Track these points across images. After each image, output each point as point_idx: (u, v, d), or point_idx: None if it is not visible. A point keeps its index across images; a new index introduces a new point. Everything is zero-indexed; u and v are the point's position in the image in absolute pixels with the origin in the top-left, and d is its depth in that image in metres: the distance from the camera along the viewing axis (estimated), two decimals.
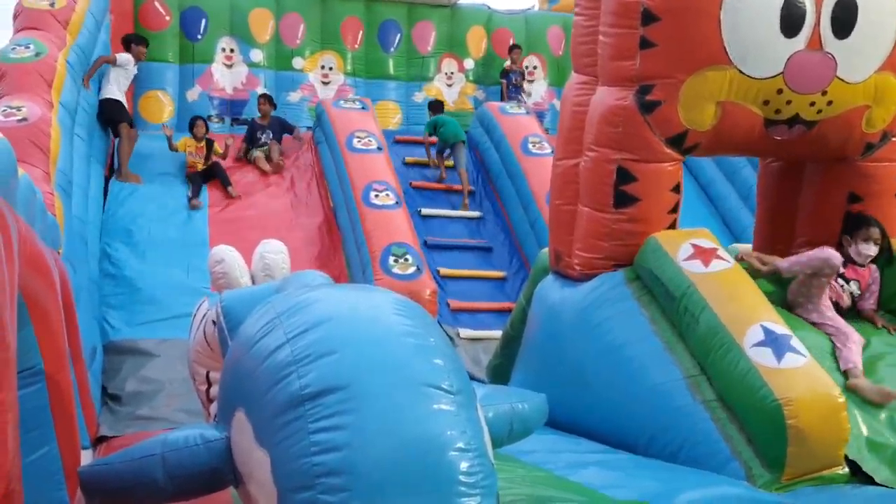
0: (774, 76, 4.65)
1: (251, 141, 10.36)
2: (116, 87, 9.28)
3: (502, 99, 11.75)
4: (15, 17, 8.15)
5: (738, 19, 4.54)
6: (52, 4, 8.14)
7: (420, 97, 12.23)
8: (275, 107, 10.66)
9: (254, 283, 5.45)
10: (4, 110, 6.41)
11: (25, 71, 7.08)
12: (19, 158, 5.46)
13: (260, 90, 11.32)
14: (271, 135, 10.40)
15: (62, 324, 4.21)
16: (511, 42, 12.40)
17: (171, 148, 9.74)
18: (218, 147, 9.93)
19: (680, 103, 4.68)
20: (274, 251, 5.63)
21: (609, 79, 4.88)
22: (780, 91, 4.68)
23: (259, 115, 10.55)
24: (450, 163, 10.38)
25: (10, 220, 2.51)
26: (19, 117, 6.33)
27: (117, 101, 9.27)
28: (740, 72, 4.62)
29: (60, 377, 3.86)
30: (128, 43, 9.67)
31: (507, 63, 12.18)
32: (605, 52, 4.87)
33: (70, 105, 7.46)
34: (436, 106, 11.05)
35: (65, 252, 5.64)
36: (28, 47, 7.35)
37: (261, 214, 9.29)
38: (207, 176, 9.69)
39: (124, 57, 9.43)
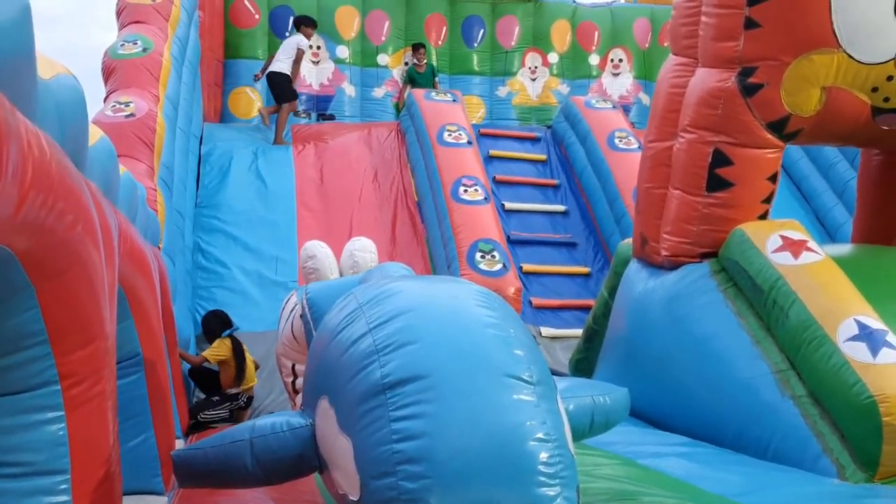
0: (885, 62, 4.49)
1: None
2: (285, 63, 10.00)
3: None
4: (118, 13, 8.39)
5: (850, 2, 4.40)
6: None
7: (504, 92, 12.23)
8: None
9: None
10: (114, 106, 6.63)
11: (134, 66, 7.27)
12: (126, 153, 5.69)
13: (346, 86, 11.50)
14: None
15: (160, 317, 4.36)
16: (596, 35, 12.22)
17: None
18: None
19: (783, 87, 4.56)
20: (363, 249, 5.73)
21: (710, 60, 4.79)
22: (889, 78, 4.52)
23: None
24: None
25: (111, 216, 2.61)
26: (127, 113, 6.53)
27: (286, 76, 10.00)
28: (849, 56, 4.47)
29: (158, 368, 4.00)
30: (298, 24, 10.38)
31: None
32: (708, 32, 4.79)
33: (174, 98, 7.66)
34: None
35: (164, 246, 5.79)
36: (135, 43, 7.54)
37: (347, 207, 9.39)
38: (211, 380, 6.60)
39: (297, 39, 10.19)
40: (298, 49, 10.08)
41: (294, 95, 10.15)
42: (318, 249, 5.81)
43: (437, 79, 11.60)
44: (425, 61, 11.53)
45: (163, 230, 5.81)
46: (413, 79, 11.47)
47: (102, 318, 2.25)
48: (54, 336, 1.99)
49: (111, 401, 2.33)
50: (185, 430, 5.77)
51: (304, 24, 10.36)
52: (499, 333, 2.12)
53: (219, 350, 6.35)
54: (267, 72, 10.17)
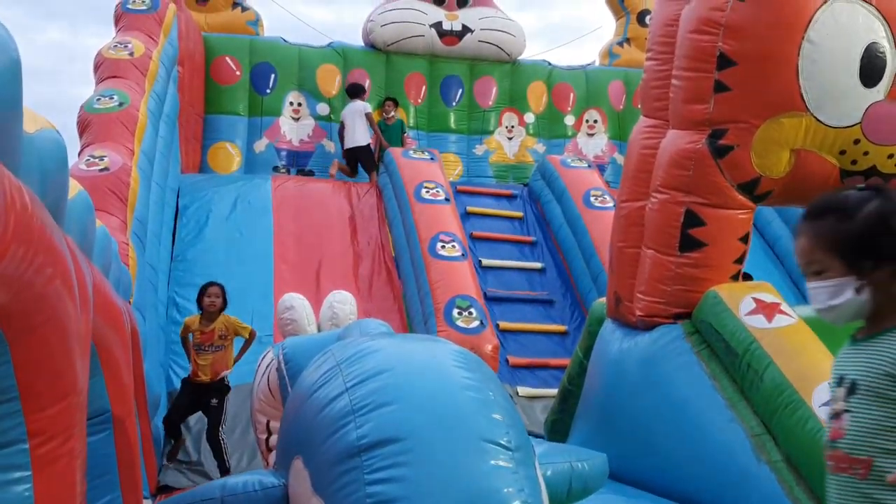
0: (852, 126, 4.58)
1: None
2: (364, 135, 10.87)
3: None
4: (96, 67, 8.38)
5: (817, 67, 4.50)
6: (131, 54, 8.42)
7: (481, 150, 12.34)
8: None
9: (320, 332, 5.52)
10: (88, 160, 6.59)
11: (109, 121, 7.25)
12: (99, 207, 5.66)
13: (326, 142, 11.57)
14: None
15: (131, 373, 4.30)
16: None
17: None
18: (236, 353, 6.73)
19: (753, 149, 4.62)
20: (343, 301, 5.72)
21: (681, 122, 4.86)
22: (857, 141, 4.61)
23: None
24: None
25: (86, 270, 2.59)
26: (101, 167, 6.50)
27: (368, 147, 10.91)
28: (817, 120, 4.56)
29: (127, 426, 3.93)
30: (359, 93, 11.10)
31: None
32: (678, 95, 4.85)
33: (150, 152, 7.64)
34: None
35: (135, 301, 5.74)
36: (112, 98, 7.54)
37: (325, 262, 9.34)
38: (199, 402, 6.56)
39: (361, 104, 10.94)
40: (366, 113, 10.87)
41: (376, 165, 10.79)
42: (296, 301, 5.79)
43: (405, 134, 11.62)
44: (392, 114, 11.50)
45: (134, 284, 5.76)
46: (382, 132, 11.46)
47: (75, 374, 2.21)
48: (25, 392, 1.95)
49: (80, 459, 2.28)
50: (153, 490, 5.65)
51: (363, 91, 11.23)
52: (477, 396, 2.10)
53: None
54: (347, 149, 10.91)
